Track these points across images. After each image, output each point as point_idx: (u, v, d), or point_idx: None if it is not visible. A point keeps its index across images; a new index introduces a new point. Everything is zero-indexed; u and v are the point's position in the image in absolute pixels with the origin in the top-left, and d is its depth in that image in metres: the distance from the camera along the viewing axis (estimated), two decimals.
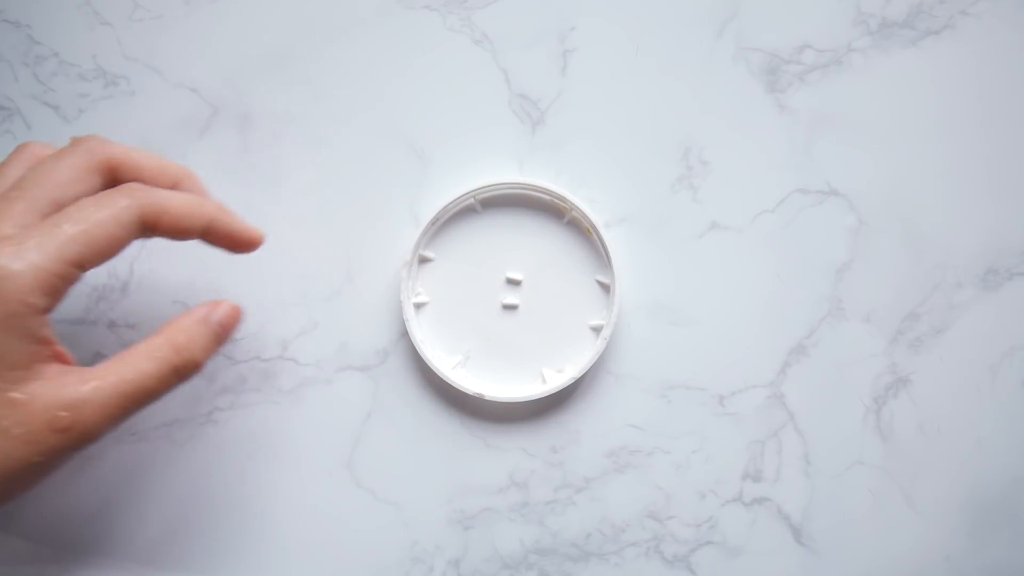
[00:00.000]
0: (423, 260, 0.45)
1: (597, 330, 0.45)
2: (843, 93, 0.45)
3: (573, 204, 0.44)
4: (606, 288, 0.45)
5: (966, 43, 0.45)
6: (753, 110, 0.45)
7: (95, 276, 0.46)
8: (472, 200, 0.45)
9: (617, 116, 0.46)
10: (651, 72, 0.46)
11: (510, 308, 0.45)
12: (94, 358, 0.46)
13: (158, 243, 0.46)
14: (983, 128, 0.45)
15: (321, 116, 0.46)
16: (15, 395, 0.31)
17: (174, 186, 0.37)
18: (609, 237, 0.44)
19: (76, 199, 0.34)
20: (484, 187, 0.44)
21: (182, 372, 0.35)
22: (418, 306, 0.45)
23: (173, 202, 0.34)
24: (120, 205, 0.33)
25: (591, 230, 0.44)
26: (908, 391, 0.46)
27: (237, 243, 0.37)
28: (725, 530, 0.46)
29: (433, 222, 0.45)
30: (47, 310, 0.33)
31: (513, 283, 0.45)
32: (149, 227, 0.34)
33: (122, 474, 0.46)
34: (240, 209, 0.46)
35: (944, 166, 0.45)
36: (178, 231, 0.35)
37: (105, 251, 0.33)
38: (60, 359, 0.33)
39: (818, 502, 0.46)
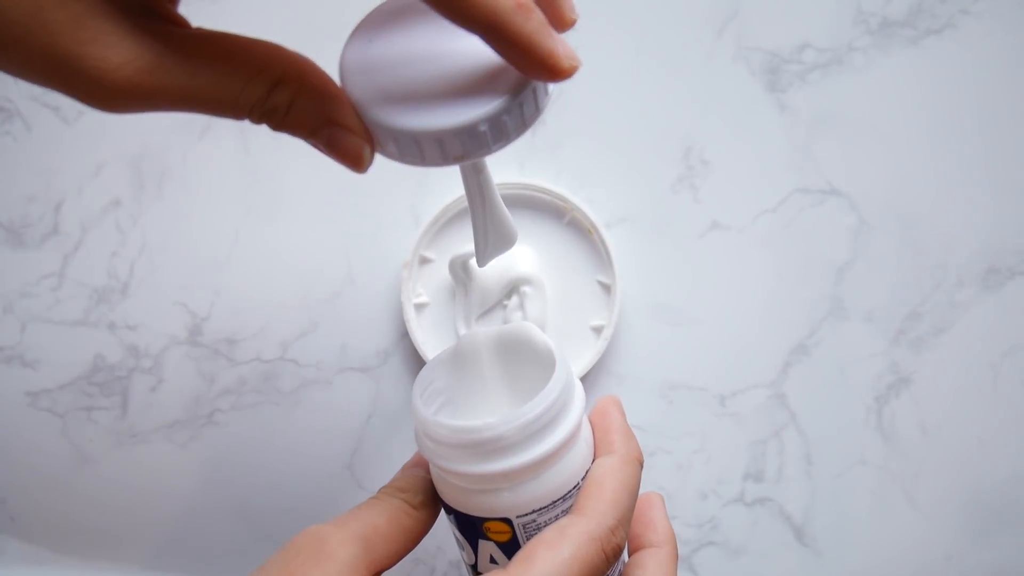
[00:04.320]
0: (424, 261, 0.45)
1: (598, 330, 0.45)
2: (844, 92, 0.45)
3: (573, 204, 0.44)
4: (607, 288, 0.45)
5: (967, 42, 0.45)
6: (754, 110, 0.45)
7: (95, 277, 0.46)
8: None
9: (617, 116, 0.46)
10: (651, 72, 0.46)
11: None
12: (95, 359, 0.46)
13: (158, 243, 0.46)
14: (984, 127, 0.45)
15: None
16: None
17: None
18: (610, 237, 0.44)
19: None
20: None
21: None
22: (419, 307, 0.45)
23: None
24: None
25: (592, 230, 0.44)
26: (909, 391, 0.46)
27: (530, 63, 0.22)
28: (727, 530, 0.46)
29: (434, 223, 0.45)
30: None
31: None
32: None
33: (122, 476, 0.46)
34: (240, 209, 0.46)
35: (945, 165, 0.45)
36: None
37: None
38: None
39: (820, 502, 0.46)
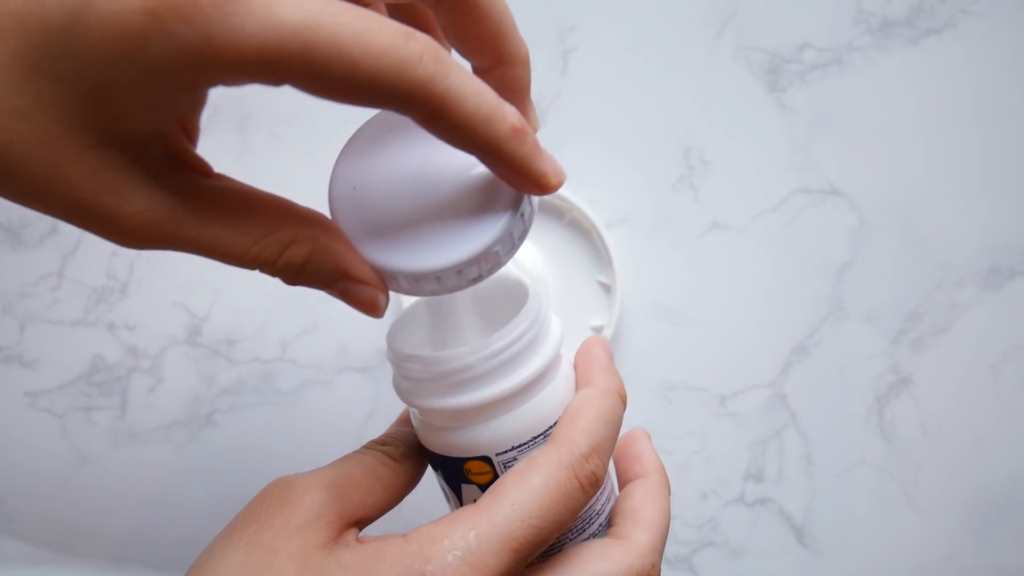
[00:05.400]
0: None
1: (598, 330, 0.45)
2: (844, 92, 0.45)
3: (573, 204, 0.44)
4: (607, 288, 0.45)
5: (967, 42, 0.45)
6: (754, 109, 0.45)
7: (94, 277, 0.46)
8: None
9: (617, 116, 0.46)
10: (651, 72, 0.46)
11: None
12: (94, 359, 0.46)
13: None
14: (984, 127, 0.45)
15: (321, 116, 0.46)
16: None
17: (497, 59, 0.26)
18: (610, 237, 0.44)
19: None
20: None
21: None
22: None
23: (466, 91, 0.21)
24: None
25: (592, 230, 0.44)
26: (910, 391, 0.46)
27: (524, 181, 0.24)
28: (727, 531, 0.46)
29: None
30: None
31: None
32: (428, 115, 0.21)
33: (122, 476, 0.46)
34: None
35: (945, 165, 0.45)
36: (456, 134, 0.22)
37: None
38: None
39: (820, 502, 0.46)
